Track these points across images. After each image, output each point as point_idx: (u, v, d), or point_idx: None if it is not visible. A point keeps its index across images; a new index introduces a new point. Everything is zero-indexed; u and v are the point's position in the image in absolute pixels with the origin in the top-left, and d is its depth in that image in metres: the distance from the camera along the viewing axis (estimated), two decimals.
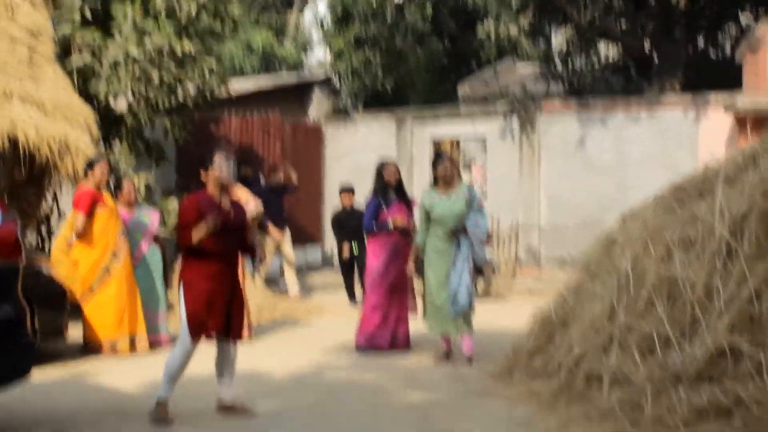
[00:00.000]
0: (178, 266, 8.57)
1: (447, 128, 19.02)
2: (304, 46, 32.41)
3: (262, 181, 16.38)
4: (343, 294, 14.78)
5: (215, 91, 15.18)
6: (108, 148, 15.01)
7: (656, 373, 7.22)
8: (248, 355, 10.48)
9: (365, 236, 11.41)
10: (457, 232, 9.85)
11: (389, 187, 10.89)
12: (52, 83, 12.21)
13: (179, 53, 13.79)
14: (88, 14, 13.50)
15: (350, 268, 14.60)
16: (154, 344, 10.81)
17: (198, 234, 7.47)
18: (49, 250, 11.95)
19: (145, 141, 15.41)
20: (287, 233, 15.48)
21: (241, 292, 8.03)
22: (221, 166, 7.73)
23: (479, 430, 7.34)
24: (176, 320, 9.37)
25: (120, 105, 14.82)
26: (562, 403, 7.73)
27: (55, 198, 14.08)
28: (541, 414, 7.66)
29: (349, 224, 14.26)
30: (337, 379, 9.37)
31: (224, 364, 7.85)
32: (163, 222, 13.49)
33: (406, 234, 10.79)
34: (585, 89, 20.81)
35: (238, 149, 18.31)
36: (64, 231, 11.03)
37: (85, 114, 12.24)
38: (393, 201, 10.84)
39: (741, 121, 14.89)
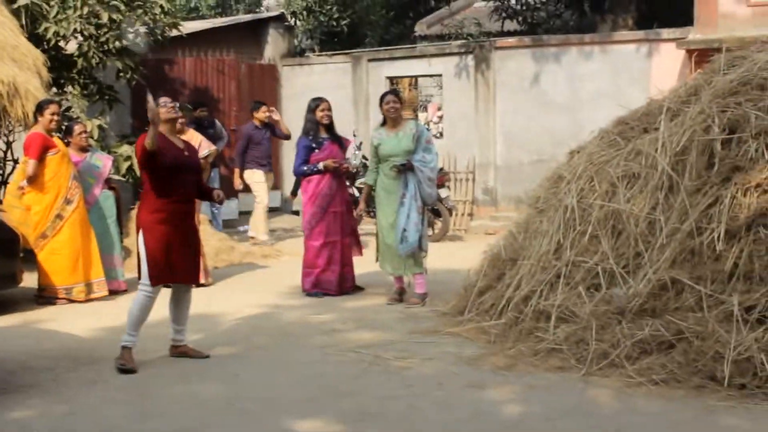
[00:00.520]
0: (134, 212, 8.52)
1: (403, 68, 18.95)
2: None
3: (218, 125, 16.26)
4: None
5: (166, 31, 15.00)
6: (60, 91, 14.87)
7: (601, 309, 7.34)
8: (204, 298, 10.55)
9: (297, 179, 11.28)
10: (404, 170, 9.86)
11: (321, 126, 10.63)
12: None
13: None
14: None
15: None
16: (111, 290, 10.78)
17: (148, 137, 7.40)
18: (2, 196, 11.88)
19: (98, 83, 15.24)
20: (271, 176, 15.44)
21: (197, 236, 8.11)
22: (167, 105, 7.80)
23: (429, 368, 7.43)
24: (132, 266, 9.41)
25: (70, 47, 14.63)
26: (510, 341, 7.84)
27: (8, 144, 13.96)
28: (489, 351, 7.76)
29: None
30: (290, 320, 9.42)
31: (179, 308, 7.92)
32: (116, 167, 13.40)
33: (339, 175, 10.64)
34: (539, 25, 20.78)
35: (192, 90, 18.19)
36: (16, 177, 10.97)
37: (34, 56, 12.10)
38: (325, 141, 10.59)
39: (697, 57, 14.92)
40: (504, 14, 20.92)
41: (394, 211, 9.89)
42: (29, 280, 10.49)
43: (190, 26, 20.30)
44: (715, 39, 14.06)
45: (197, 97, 17.48)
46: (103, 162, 11.19)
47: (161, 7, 14.61)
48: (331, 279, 10.55)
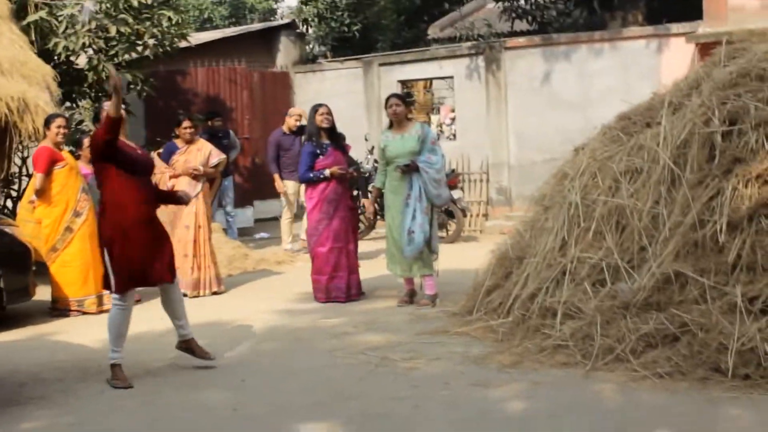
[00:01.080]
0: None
1: (414, 71, 18.96)
2: None
3: (232, 134, 16.32)
4: None
5: (175, 42, 15.08)
6: (72, 105, 14.99)
7: (606, 304, 7.34)
8: (215, 306, 10.65)
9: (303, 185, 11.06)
10: (407, 170, 9.87)
11: (322, 131, 10.58)
12: (8, 42, 12.11)
13: (136, 5, 13.68)
14: None
15: None
16: None
17: (112, 105, 7.23)
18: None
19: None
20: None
21: (165, 235, 7.91)
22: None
23: (435, 368, 7.44)
24: None
25: (81, 61, 14.75)
26: (517, 338, 7.85)
27: (23, 159, 14.10)
28: (496, 350, 7.77)
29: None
30: (300, 326, 9.44)
31: (171, 304, 7.88)
32: None
33: (344, 181, 10.59)
34: (549, 24, 20.77)
35: (205, 100, 18.28)
36: (27, 191, 11.06)
37: (44, 71, 12.16)
38: (328, 147, 10.55)
39: (703, 51, 14.87)
40: (514, 14, 20.91)
41: (400, 213, 9.91)
42: (43, 293, 10.57)
43: (201, 37, 20.48)
44: (724, 32, 13.94)
45: (210, 106, 17.54)
46: None
47: (169, 18, 14.67)
48: (341, 285, 10.53)
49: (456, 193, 15.21)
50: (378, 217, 11.36)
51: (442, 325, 8.85)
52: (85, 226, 10.52)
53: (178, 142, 11.70)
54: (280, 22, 23.53)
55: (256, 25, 24.73)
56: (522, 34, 20.48)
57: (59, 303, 10.53)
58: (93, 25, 13.48)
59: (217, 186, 12.85)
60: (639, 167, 7.90)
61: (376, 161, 14.87)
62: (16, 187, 14.34)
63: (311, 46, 24.09)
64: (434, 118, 19.40)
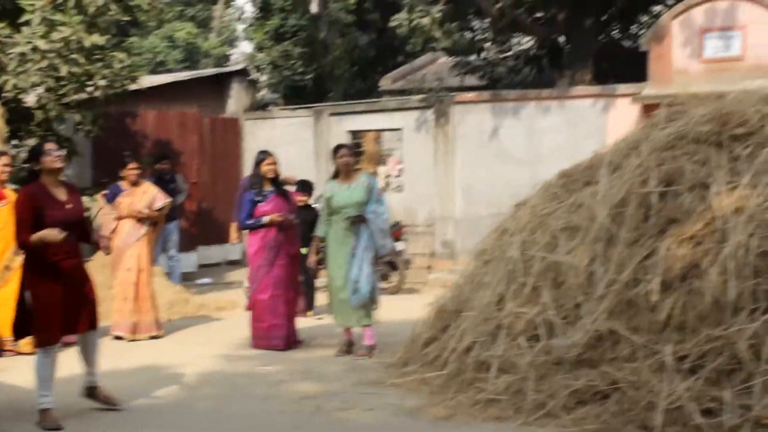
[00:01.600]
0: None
1: (364, 122, 19.08)
2: (229, 40, 32.35)
3: (179, 178, 16.29)
4: None
5: (126, 84, 15.08)
6: (18, 143, 14.90)
7: (540, 359, 7.39)
8: (154, 350, 10.57)
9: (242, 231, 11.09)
10: (356, 221, 9.92)
11: (266, 179, 10.60)
12: None
13: (88, 46, 13.68)
14: None
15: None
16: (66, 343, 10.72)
17: (37, 237, 7.22)
18: None
19: (57, 136, 15.30)
20: None
21: (88, 284, 7.76)
22: (52, 154, 7.52)
23: (368, 418, 7.45)
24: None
25: (30, 99, 14.70)
26: (451, 391, 7.86)
27: None
28: (430, 402, 7.78)
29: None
30: (238, 372, 9.40)
31: (86, 351, 7.84)
32: None
33: (284, 228, 10.57)
34: (499, 81, 21.02)
35: (154, 143, 18.24)
36: None
37: None
38: (270, 194, 10.55)
39: (647, 111, 15.12)
40: (464, 70, 21.14)
41: (346, 263, 9.93)
42: None
43: (153, 79, 20.46)
44: (669, 94, 14.23)
45: (159, 150, 17.51)
46: None
47: (121, 60, 14.67)
48: (280, 333, 10.49)
49: (399, 245, 15.27)
50: (320, 266, 11.33)
51: (378, 376, 8.85)
52: None
53: (123, 184, 11.67)
54: (233, 68, 23.59)
55: (209, 70, 24.81)
56: (472, 89, 20.70)
57: None
58: (44, 63, 13.44)
59: (160, 229, 12.79)
60: (577, 225, 8.00)
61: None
62: None
63: (263, 93, 24.21)
64: (382, 169, 19.46)
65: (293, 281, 10.75)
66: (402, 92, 21.58)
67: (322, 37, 24.35)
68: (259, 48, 23.46)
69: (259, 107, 21.66)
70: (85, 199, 14.00)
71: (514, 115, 17.20)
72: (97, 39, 13.83)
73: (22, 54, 13.36)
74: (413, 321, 9.60)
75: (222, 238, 19.21)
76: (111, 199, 11.64)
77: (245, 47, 30.96)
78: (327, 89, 23.52)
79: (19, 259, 10.30)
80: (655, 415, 6.44)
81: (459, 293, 9.12)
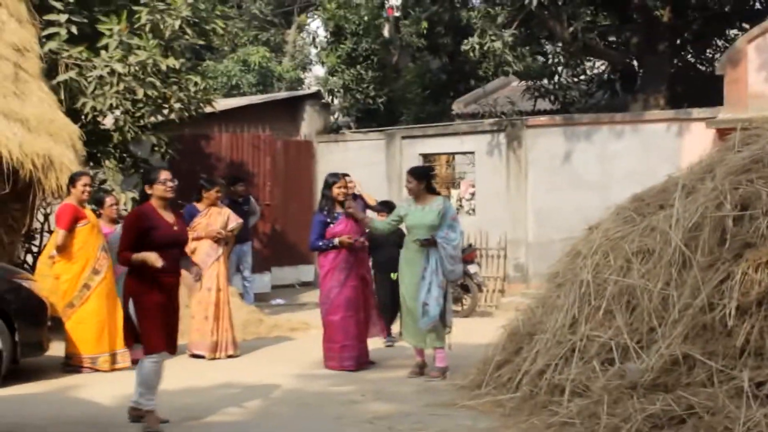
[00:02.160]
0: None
1: (436, 145, 19.16)
2: (303, 64, 32.64)
3: (252, 200, 16.49)
4: None
5: (201, 107, 15.30)
6: (96, 164, 15.19)
7: (613, 383, 7.35)
8: (229, 369, 10.69)
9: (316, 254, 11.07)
10: (425, 245, 9.95)
11: (336, 202, 10.66)
12: (37, 100, 12.33)
13: (164, 69, 13.92)
14: (75, 30, 13.62)
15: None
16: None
17: (139, 258, 7.66)
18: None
19: (133, 157, 15.59)
20: None
21: (178, 309, 8.20)
22: (166, 184, 7.98)
23: None
24: None
25: (107, 122, 14.97)
26: (524, 414, 7.85)
27: (45, 216, 14.27)
28: (503, 424, 7.78)
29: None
30: (310, 391, 9.48)
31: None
32: None
33: (355, 250, 10.62)
34: (572, 105, 20.95)
35: (228, 165, 18.47)
36: (48, 246, 11.19)
37: (70, 130, 12.36)
38: (340, 215, 10.61)
39: (722, 136, 14.98)
40: (537, 93, 21.11)
41: (416, 284, 9.97)
42: (56, 349, 10.63)
43: (228, 103, 20.74)
44: (744, 118, 14.10)
45: (232, 171, 17.73)
46: None
47: (196, 83, 14.89)
48: (352, 354, 10.56)
49: (472, 268, 15.29)
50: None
51: (450, 398, 8.86)
52: (103, 284, 10.63)
53: (199, 206, 11.85)
54: (306, 91, 23.83)
55: (282, 94, 25.06)
56: (544, 113, 20.68)
57: (73, 359, 10.59)
58: (121, 86, 13.64)
59: (230, 250, 12.92)
60: (651, 248, 7.96)
61: None
62: (37, 242, 14.49)
63: (336, 116, 24.38)
64: (454, 192, 19.49)
65: (365, 302, 10.80)
66: (474, 116, 21.59)
67: (394, 61, 24.50)
68: (332, 72, 23.61)
69: (331, 130, 21.84)
70: None
71: (587, 139, 17.15)
72: (173, 62, 14.04)
73: (100, 77, 13.60)
74: (486, 344, 9.60)
75: (295, 259, 19.39)
76: (187, 220, 11.80)
77: (318, 71, 31.22)
78: (399, 113, 23.62)
79: (98, 278, 10.60)
80: None
81: (532, 316, 9.12)
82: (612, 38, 20.84)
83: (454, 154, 19.58)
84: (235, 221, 11.88)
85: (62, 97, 13.14)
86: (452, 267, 10.00)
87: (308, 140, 20.67)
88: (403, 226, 10.64)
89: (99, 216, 11.42)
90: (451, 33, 23.84)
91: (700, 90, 19.20)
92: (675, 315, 7.35)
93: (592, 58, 21.68)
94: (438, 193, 10.60)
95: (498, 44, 17.26)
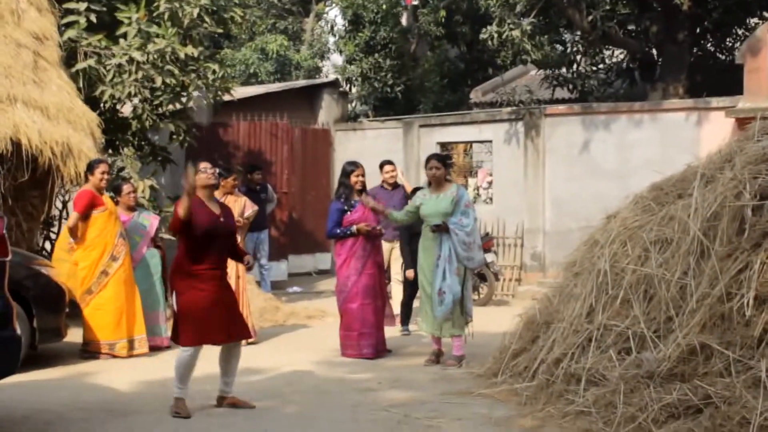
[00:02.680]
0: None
1: (454, 134, 19.14)
2: (321, 52, 32.59)
3: (270, 188, 16.51)
4: None
5: (219, 95, 15.32)
6: (114, 152, 15.24)
7: (630, 372, 7.33)
8: (246, 355, 10.62)
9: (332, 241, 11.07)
10: (438, 230, 9.94)
11: (354, 190, 10.68)
12: (56, 88, 12.37)
13: (182, 57, 13.94)
14: (94, 19, 13.64)
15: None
16: (153, 346, 10.97)
17: (181, 207, 7.72)
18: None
19: (151, 145, 15.63)
20: (396, 243, 12.85)
21: (232, 294, 8.35)
22: (207, 172, 8.11)
23: (456, 428, 7.45)
24: None
25: (126, 110, 15.01)
26: (540, 403, 7.85)
27: (64, 203, 14.34)
28: (519, 413, 7.78)
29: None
30: (327, 379, 9.50)
31: (227, 361, 8.16)
32: (166, 226, 13.65)
33: (372, 238, 10.65)
34: (590, 94, 20.88)
35: (245, 153, 18.49)
36: (65, 230, 11.22)
37: (89, 118, 12.40)
38: (357, 204, 10.62)
39: (742, 125, 14.90)
40: (555, 82, 21.05)
41: (432, 272, 9.98)
42: (74, 335, 10.68)
43: (246, 91, 20.76)
44: (764, 107, 14.02)
45: (250, 159, 17.77)
46: (150, 221, 11.46)
47: (214, 71, 14.91)
48: (370, 342, 10.58)
49: (489, 257, 15.26)
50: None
51: (466, 386, 8.86)
52: (121, 271, 10.67)
53: (216, 194, 11.84)
54: (324, 80, 23.83)
55: (300, 82, 25.05)
56: (563, 102, 20.62)
57: (90, 345, 10.65)
58: (140, 74, 13.65)
59: (243, 236, 12.94)
60: (669, 238, 7.93)
61: None
62: (55, 229, 14.56)
63: (353, 104, 24.36)
64: (471, 181, 19.48)
65: (381, 290, 10.81)
66: (492, 105, 21.57)
67: (412, 50, 24.48)
68: (350, 60, 23.61)
69: (349, 119, 21.84)
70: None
71: (605, 128, 17.10)
72: (192, 50, 14.06)
73: (119, 65, 13.63)
74: (502, 332, 9.60)
75: (312, 247, 19.42)
76: None
77: (336, 59, 31.21)
78: (417, 101, 23.59)
79: (116, 265, 10.64)
80: (750, 431, 6.34)
81: (548, 305, 9.11)
82: (631, 27, 20.71)
83: (471, 142, 19.59)
84: (251, 209, 11.88)
85: (81, 85, 13.17)
86: (467, 254, 9.96)
87: (326, 128, 20.68)
88: None
89: (116, 203, 11.45)
90: (470, 21, 23.83)
91: (719, 79, 19.12)
92: (692, 304, 7.31)
93: (611, 47, 21.58)
94: (451, 181, 10.60)
95: (516, 33, 17.24)
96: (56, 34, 12.96)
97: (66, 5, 13.44)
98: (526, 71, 24.20)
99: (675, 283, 7.56)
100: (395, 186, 12.79)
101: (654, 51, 20.48)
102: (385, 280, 11.02)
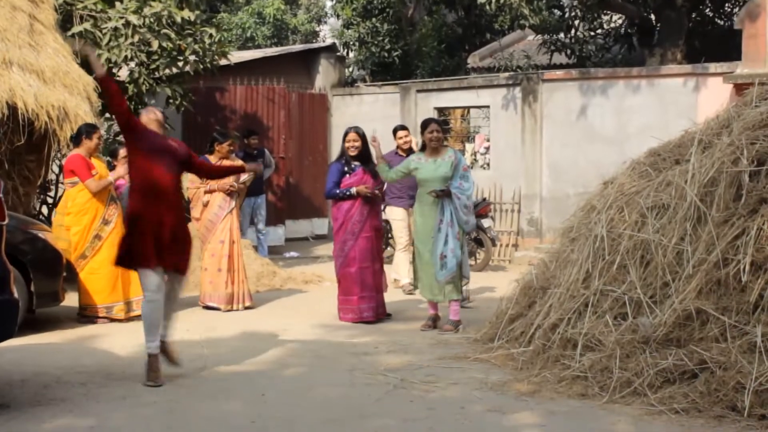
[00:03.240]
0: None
1: (451, 99, 19.09)
2: (318, 17, 32.49)
3: (267, 153, 16.49)
4: None
5: (216, 59, 15.26)
6: (111, 116, 15.18)
7: (626, 337, 7.36)
8: (243, 321, 10.74)
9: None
10: (441, 195, 9.94)
11: (349, 156, 10.64)
12: (52, 51, 12.30)
13: (179, 20, 13.86)
14: None
15: None
16: None
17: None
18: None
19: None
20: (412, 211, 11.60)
21: (186, 228, 8.24)
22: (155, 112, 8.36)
23: (452, 392, 7.48)
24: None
25: (122, 74, 14.95)
26: (536, 367, 7.87)
27: (61, 167, 14.30)
28: (515, 378, 7.80)
29: None
30: (324, 344, 9.51)
31: (168, 301, 8.05)
32: None
33: (370, 202, 10.61)
34: (588, 59, 20.83)
35: (242, 118, 18.45)
36: (63, 200, 11.19)
37: (85, 82, 12.33)
38: (357, 167, 10.60)
39: (740, 91, 14.88)
40: (553, 47, 20.98)
41: (431, 237, 9.98)
42: (72, 299, 10.70)
43: (242, 55, 20.68)
44: (762, 73, 14.02)
45: (247, 124, 17.74)
46: None
47: (211, 36, 14.84)
48: (371, 305, 10.60)
49: (486, 222, 15.26)
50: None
51: (463, 351, 8.89)
52: (114, 234, 10.63)
53: (212, 158, 11.84)
54: (321, 44, 23.75)
55: (297, 47, 24.96)
56: (560, 67, 20.58)
57: (87, 310, 10.66)
58: (136, 38, 13.57)
59: (241, 202, 12.96)
60: (666, 203, 7.93)
61: None
62: (52, 193, 14.54)
63: (351, 69, 24.29)
64: (469, 146, 19.47)
65: (379, 253, 10.82)
66: (489, 70, 21.53)
67: (409, 15, 24.38)
68: (347, 25, 23.54)
69: (346, 83, 21.78)
70: None
71: (603, 93, 17.07)
72: (188, 14, 14.00)
73: (115, 29, 13.56)
74: (499, 297, 9.62)
75: (309, 212, 19.43)
76: None
77: (333, 24, 31.08)
78: (414, 66, 23.53)
79: (108, 228, 10.64)
80: (745, 396, 6.38)
81: (545, 270, 9.11)
82: None
83: (469, 108, 19.55)
84: (247, 174, 11.85)
85: (77, 48, 13.10)
86: (466, 218, 10.00)
87: (323, 93, 20.62)
88: None
89: (113, 168, 11.43)
90: None
91: (717, 45, 19.08)
92: (689, 270, 7.33)
93: (609, 12, 21.51)
94: (447, 146, 10.58)
95: None
96: None
97: None
98: (524, 36, 24.13)
99: (671, 248, 7.58)
100: (410, 152, 12.38)
101: (652, 16, 20.41)
102: (382, 244, 10.99)
